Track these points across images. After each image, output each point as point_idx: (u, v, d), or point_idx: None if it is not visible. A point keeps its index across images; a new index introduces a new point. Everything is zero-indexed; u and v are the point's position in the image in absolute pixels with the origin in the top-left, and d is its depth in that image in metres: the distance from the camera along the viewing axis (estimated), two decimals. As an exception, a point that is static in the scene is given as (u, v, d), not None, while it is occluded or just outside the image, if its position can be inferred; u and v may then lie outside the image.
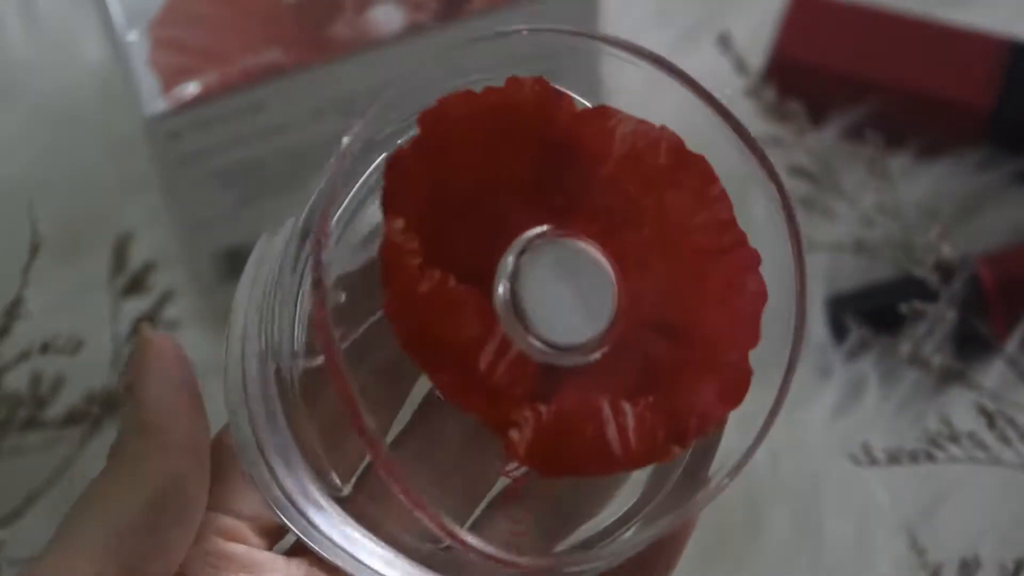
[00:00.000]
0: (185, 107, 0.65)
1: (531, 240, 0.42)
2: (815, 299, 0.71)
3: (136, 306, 0.66)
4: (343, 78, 0.67)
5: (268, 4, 0.68)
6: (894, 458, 0.61)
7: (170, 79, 0.65)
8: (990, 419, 0.60)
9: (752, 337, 0.43)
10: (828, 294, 0.71)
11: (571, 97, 0.43)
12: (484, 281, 0.41)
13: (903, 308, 0.64)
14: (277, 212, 0.69)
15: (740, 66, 0.71)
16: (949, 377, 0.64)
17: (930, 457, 0.60)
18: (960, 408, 0.65)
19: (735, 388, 0.42)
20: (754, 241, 0.44)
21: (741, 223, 0.43)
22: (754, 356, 0.43)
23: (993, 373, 0.67)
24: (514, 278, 0.41)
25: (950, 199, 0.73)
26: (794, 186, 0.71)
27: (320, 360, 0.41)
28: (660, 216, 0.42)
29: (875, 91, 0.73)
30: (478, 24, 0.65)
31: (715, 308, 0.42)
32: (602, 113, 0.43)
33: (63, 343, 0.62)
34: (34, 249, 0.60)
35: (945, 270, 0.65)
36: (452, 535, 0.38)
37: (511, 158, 0.42)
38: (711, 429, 0.41)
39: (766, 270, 0.44)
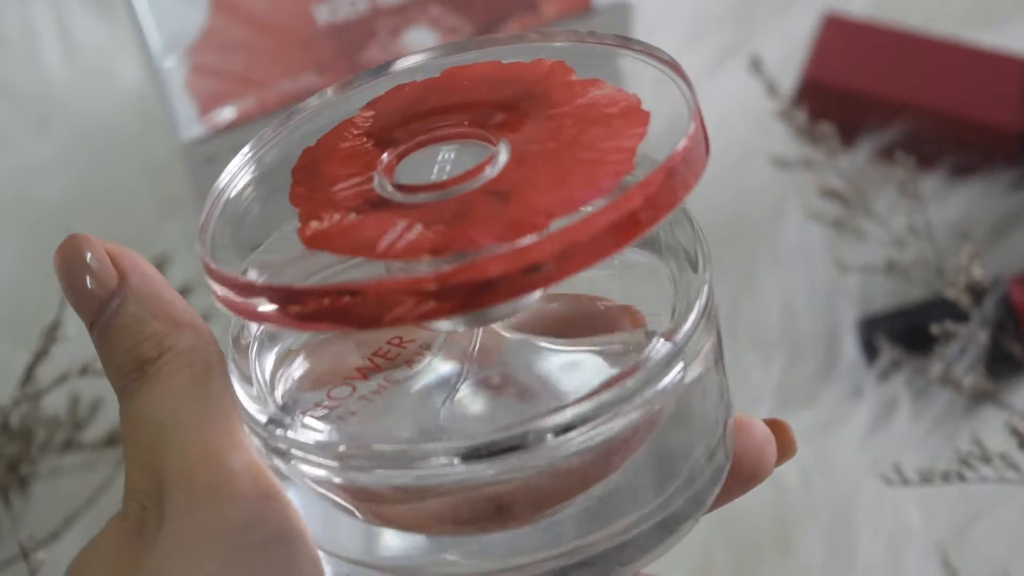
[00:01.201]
0: (221, 131, 0.66)
1: (444, 129, 0.45)
2: (846, 320, 0.71)
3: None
4: (377, 102, 0.67)
5: (304, 29, 0.68)
6: (926, 478, 0.61)
7: (207, 104, 0.66)
8: (1021, 439, 0.60)
9: (563, 208, 0.42)
10: (860, 315, 0.72)
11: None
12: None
13: (934, 329, 0.64)
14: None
15: (771, 88, 0.72)
16: (980, 397, 0.64)
17: (961, 477, 0.60)
18: (991, 428, 0.65)
19: (511, 229, 0.41)
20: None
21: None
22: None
23: None
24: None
25: (981, 220, 0.73)
26: (825, 208, 0.71)
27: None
28: (572, 139, 0.44)
29: (906, 112, 0.74)
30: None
31: (550, 187, 0.43)
32: (593, 82, 0.45)
33: (101, 365, 0.62)
34: (73, 272, 0.60)
35: (976, 291, 0.66)
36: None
37: (482, 91, 0.46)
38: (470, 250, 0.41)
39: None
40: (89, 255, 0.44)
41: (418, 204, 0.43)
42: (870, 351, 0.70)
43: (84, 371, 0.62)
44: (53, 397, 0.64)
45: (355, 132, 0.45)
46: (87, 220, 0.75)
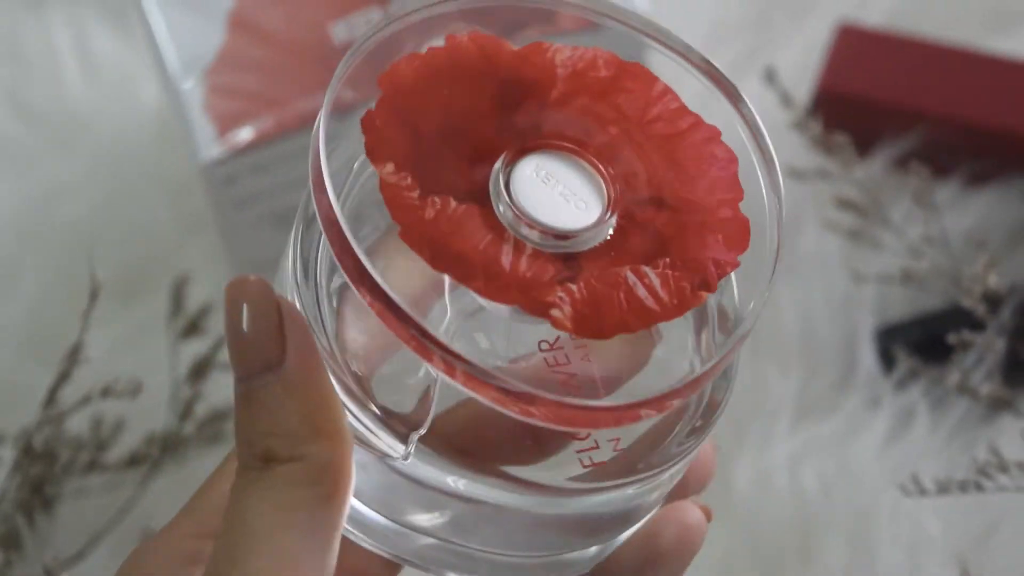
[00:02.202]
0: (240, 152, 0.66)
1: (512, 155, 0.45)
2: (864, 330, 0.71)
3: (195, 348, 0.67)
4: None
5: (321, 48, 0.69)
6: (944, 488, 0.61)
7: (225, 124, 0.66)
8: (1038, 448, 0.60)
9: (736, 192, 0.46)
10: (877, 325, 0.71)
11: (505, 41, 0.46)
12: (479, 201, 0.44)
13: (951, 338, 0.64)
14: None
15: (786, 99, 0.72)
16: (998, 406, 0.64)
17: (979, 487, 0.60)
18: (1009, 437, 0.65)
19: (738, 236, 0.45)
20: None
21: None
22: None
23: None
24: (508, 188, 0.44)
25: (998, 228, 0.73)
26: (841, 218, 0.71)
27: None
28: (619, 117, 0.46)
29: (921, 121, 0.74)
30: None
31: (695, 178, 0.45)
32: (537, 47, 0.46)
33: (123, 387, 0.63)
34: (94, 294, 0.61)
35: (993, 299, 0.66)
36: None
37: (470, 96, 0.45)
38: (729, 271, 0.44)
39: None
40: (260, 309, 0.42)
41: (600, 247, 0.44)
42: (887, 361, 0.70)
43: (106, 392, 0.62)
44: (76, 419, 0.65)
45: (413, 194, 0.43)
46: (109, 240, 0.75)
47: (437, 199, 0.42)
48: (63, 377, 0.62)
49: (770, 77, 0.72)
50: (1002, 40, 0.78)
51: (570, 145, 0.45)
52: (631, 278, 0.43)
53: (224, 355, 0.66)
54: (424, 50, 0.46)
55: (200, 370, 0.66)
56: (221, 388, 0.67)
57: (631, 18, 0.48)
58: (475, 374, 0.40)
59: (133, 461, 0.65)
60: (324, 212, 0.42)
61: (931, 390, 0.69)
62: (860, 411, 0.70)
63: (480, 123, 0.45)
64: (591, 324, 0.43)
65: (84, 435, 0.65)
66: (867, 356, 0.71)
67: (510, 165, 0.44)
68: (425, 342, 0.40)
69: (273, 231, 0.70)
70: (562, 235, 0.43)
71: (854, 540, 0.66)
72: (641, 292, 0.43)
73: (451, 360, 0.40)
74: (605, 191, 0.45)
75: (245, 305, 0.42)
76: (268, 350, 0.42)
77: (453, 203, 0.43)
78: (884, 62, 0.76)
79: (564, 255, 0.44)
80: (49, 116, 0.80)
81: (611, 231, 0.44)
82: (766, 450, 0.69)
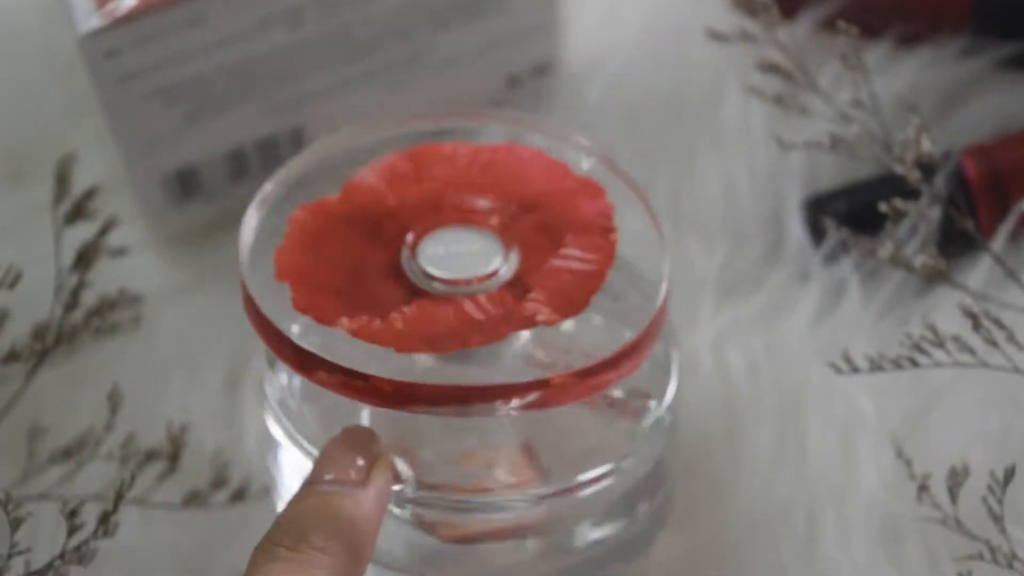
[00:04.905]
0: (121, 22, 0.62)
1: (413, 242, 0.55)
2: (791, 201, 0.69)
3: (81, 233, 0.63)
4: (287, -14, 0.64)
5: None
6: (877, 365, 0.58)
7: (104, -8, 0.62)
8: (976, 321, 0.57)
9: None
10: (804, 195, 0.69)
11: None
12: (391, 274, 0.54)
13: (883, 207, 0.61)
14: (228, 128, 0.67)
15: (706, -42, 0.68)
16: (933, 278, 0.61)
17: (914, 363, 0.58)
18: (945, 310, 0.63)
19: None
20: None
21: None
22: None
23: (979, 272, 0.65)
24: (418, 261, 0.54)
25: (931, 91, 0.71)
26: (766, 83, 0.68)
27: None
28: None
29: (849, -21, 0.70)
30: None
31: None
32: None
33: (3, 275, 0.59)
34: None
35: (927, 166, 0.62)
36: None
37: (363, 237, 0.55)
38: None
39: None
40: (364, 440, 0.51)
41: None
42: (816, 233, 0.68)
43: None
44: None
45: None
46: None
47: (396, 315, 0.52)
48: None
49: (689, -65, 0.69)
50: None
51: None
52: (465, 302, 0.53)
53: (113, 240, 0.62)
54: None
55: (87, 256, 0.62)
56: (109, 276, 0.64)
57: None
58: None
59: (14, 355, 0.61)
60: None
61: (862, 263, 0.67)
62: (788, 287, 0.67)
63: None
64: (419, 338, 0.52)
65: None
66: (795, 228, 0.68)
67: (415, 243, 0.54)
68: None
69: (160, 107, 0.66)
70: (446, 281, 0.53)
71: (783, 422, 0.64)
72: (468, 305, 0.52)
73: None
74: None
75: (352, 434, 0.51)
76: (361, 469, 0.50)
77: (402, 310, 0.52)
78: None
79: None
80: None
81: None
82: (690, 331, 0.66)
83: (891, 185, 0.64)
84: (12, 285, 0.59)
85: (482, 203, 0.56)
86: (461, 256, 0.54)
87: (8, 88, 0.73)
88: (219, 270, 0.70)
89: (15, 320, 0.62)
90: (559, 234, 0.55)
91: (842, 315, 0.66)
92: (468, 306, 0.53)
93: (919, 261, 0.61)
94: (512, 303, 0.53)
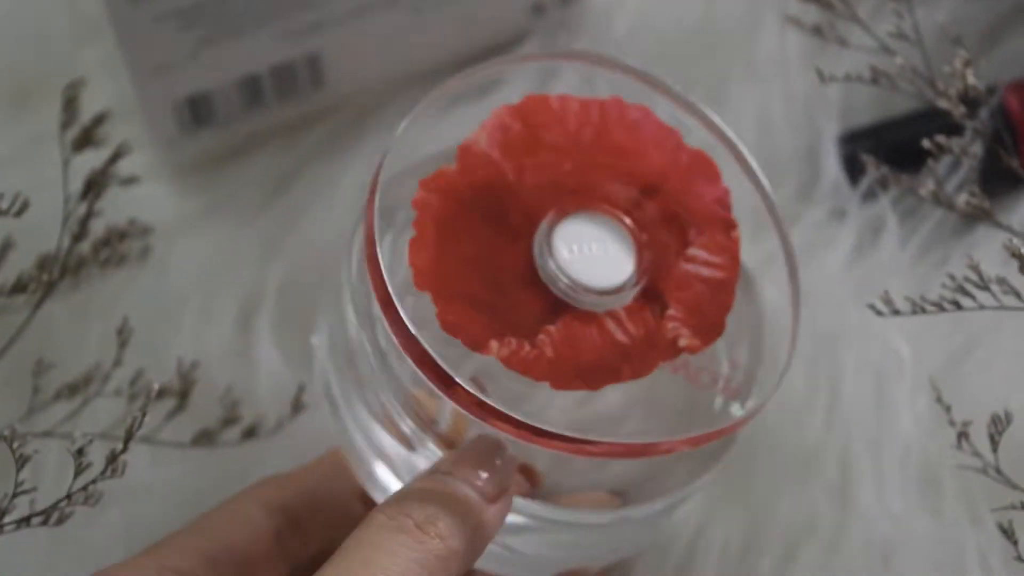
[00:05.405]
0: (132, -59, 0.60)
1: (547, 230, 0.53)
2: (828, 136, 0.67)
3: (90, 161, 0.60)
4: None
5: None
6: (918, 307, 0.56)
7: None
8: (1021, 261, 0.55)
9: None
10: (842, 130, 0.67)
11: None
12: (529, 282, 0.52)
13: (925, 143, 0.59)
14: (242, 54, 0.64)
15: None
16: (975, 217, 0.59)
17: (958, 306, 0.55)
18: (988, 251, 0.62)
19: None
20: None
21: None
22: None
23: (1021, 212, 0.63)
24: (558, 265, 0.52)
25: (975, 23, 0.69)
26: (805, 12, 0.66)
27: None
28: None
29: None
30: None
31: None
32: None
33: (9, 204, 0.57)
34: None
35: (970, 100, 0.60)
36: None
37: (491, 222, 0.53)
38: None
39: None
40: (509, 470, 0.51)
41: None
42: (853, 169, 0.66)
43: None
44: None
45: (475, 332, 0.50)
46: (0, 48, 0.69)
47: (544, 338, 0.50)
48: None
49: None
50: None
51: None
52: (606, 320, 0.51)
53: (123, 168, 0.60)
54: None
55: (96, 185, 0.60)
56: (118, 205, 0.61)
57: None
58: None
59: (21, 286, 0.59)
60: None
61: (901, 200, 0.65)
62: (824, 224, 0.66)
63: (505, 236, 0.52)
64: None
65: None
66: (831, 164, 0.67)
67: (548, 242, 0.52)
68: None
69: (176, 31, 0.63)
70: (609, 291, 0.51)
71: (816, 364, 0.63)
72: (610, 325, 0.51)
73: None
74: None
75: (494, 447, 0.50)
76: (495, 485, 0.50)
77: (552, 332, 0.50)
78: None
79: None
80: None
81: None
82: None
83: (932, 120, 0.62)
84: (19, 213, 0.56)
85: (605, 184, 0.54)
86: (597, 259, 0.52)
87: (14, 11, 0.71)
88: (232, 201, 0.68)
89: (21, 250, 0.60)
90: (683, 227, 0.54)
91: (879, 255, 0.65)
92: (611, 325, 0.51)
93: (961, 199, 0.59)
94: (652, 322, 0.52)
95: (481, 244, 0.52)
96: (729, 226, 0.54)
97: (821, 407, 0.61)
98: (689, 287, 0.52)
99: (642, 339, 0.51)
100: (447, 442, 0.52)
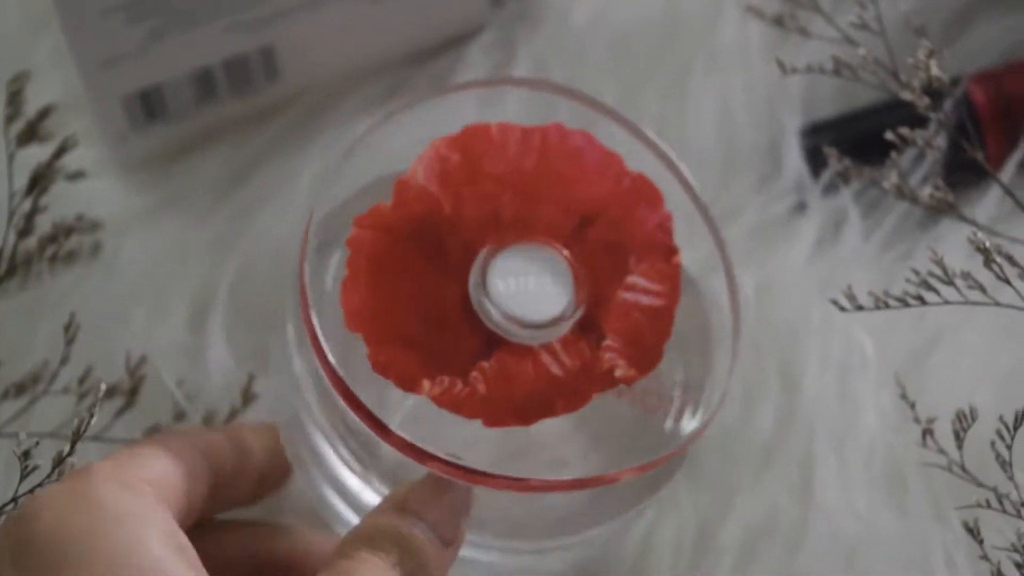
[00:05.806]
0: (80, -70, 0.59)
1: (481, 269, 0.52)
2: (790, 128, 0.67)
3: (36, 155, 0.59)
4: None
5: None
6: (881, 302, 0.55)
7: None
8: (986, 255, 0.54)
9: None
10: (804, 122, 0.67)
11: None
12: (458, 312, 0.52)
13: (888, 135, 0.59)
14: (194, 46, 0.64)
15: None
16: (939, 210, 0.59)
17: (922, 300, 0.55)
18: (952, 244, 0.61)
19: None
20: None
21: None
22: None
23: (988, 204, 0.63)
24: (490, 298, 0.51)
25: (939, 13, 0.69)
26: (766, 2, 0.65)
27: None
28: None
29: None
30: None
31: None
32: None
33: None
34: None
35: (934, 92, 0.60)
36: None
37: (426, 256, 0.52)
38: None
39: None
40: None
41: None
42: (815, 161, 0.66)
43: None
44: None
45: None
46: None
47: (477, 375, 0.50)
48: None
49: None
50: None
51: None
52: (541, 353, 0.51)
53: (70, 163, 0.59)
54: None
55: (41, 179, 0.59)
56: (66, 201, 0.61)
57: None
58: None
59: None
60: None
61: (864, 194, 0.65)
62: (785, 217, 0.65)
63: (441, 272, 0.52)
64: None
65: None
66: (793, 156, 0.66)
67: (483, 276, 0.51)
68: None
69: (126, 23, 0.62)
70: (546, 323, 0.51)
71: (779, 360, 0.62)
72: (545, 358, 0.51)
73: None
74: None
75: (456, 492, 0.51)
76: (449, 528, 0.50)
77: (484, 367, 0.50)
78: None
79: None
80: None
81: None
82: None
83: (896, 112, 0.62)
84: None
85: (545, 214, 0.53)
86: (532, 292, 0.51)
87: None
88: (185, 196, 0.67)
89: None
90: (623, 255, 0.53)
91: (841, 249, 0.64)
92: (546, 358, 0.51)
93: (925, 192, 0.58)
94: (588, 353, 0.52)
95: (417, 280, 0.52)
96: (670, 252, 0.54)
97: (782, 404, 0.61)
98: (627, 316, 0.52)
99: (577, 371, 0.51)
100: (390, 476, 0.52)
